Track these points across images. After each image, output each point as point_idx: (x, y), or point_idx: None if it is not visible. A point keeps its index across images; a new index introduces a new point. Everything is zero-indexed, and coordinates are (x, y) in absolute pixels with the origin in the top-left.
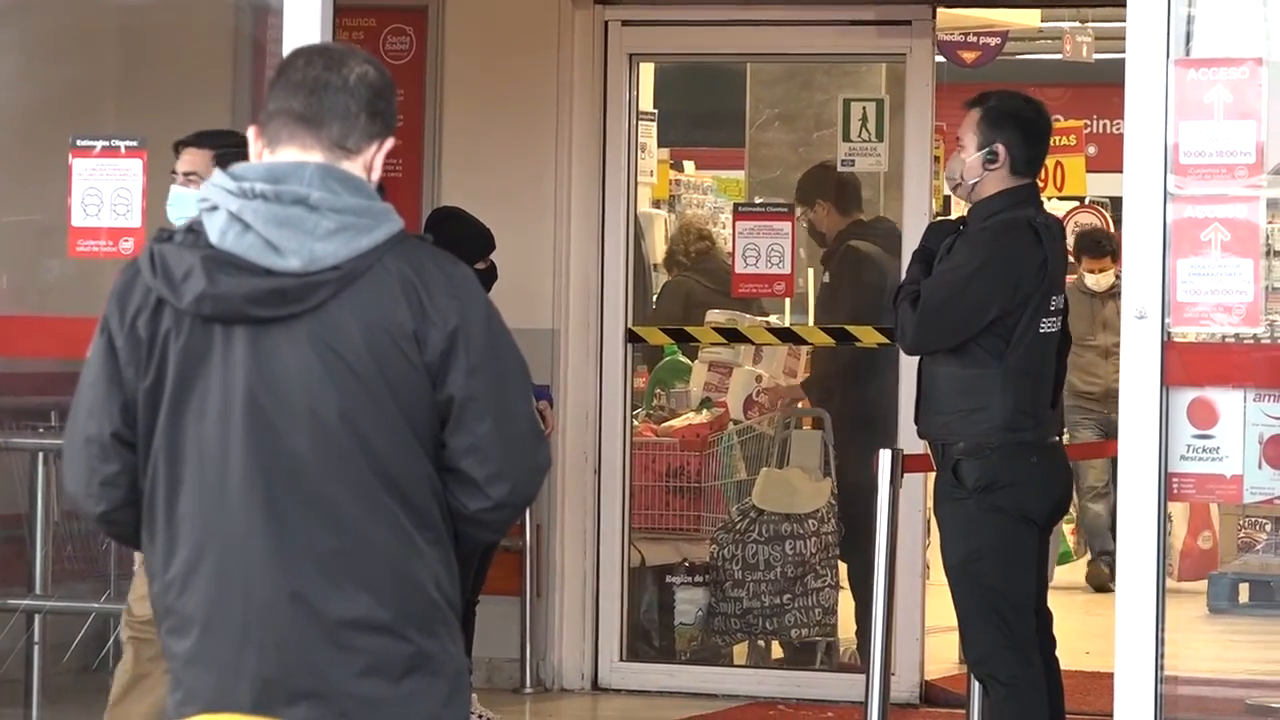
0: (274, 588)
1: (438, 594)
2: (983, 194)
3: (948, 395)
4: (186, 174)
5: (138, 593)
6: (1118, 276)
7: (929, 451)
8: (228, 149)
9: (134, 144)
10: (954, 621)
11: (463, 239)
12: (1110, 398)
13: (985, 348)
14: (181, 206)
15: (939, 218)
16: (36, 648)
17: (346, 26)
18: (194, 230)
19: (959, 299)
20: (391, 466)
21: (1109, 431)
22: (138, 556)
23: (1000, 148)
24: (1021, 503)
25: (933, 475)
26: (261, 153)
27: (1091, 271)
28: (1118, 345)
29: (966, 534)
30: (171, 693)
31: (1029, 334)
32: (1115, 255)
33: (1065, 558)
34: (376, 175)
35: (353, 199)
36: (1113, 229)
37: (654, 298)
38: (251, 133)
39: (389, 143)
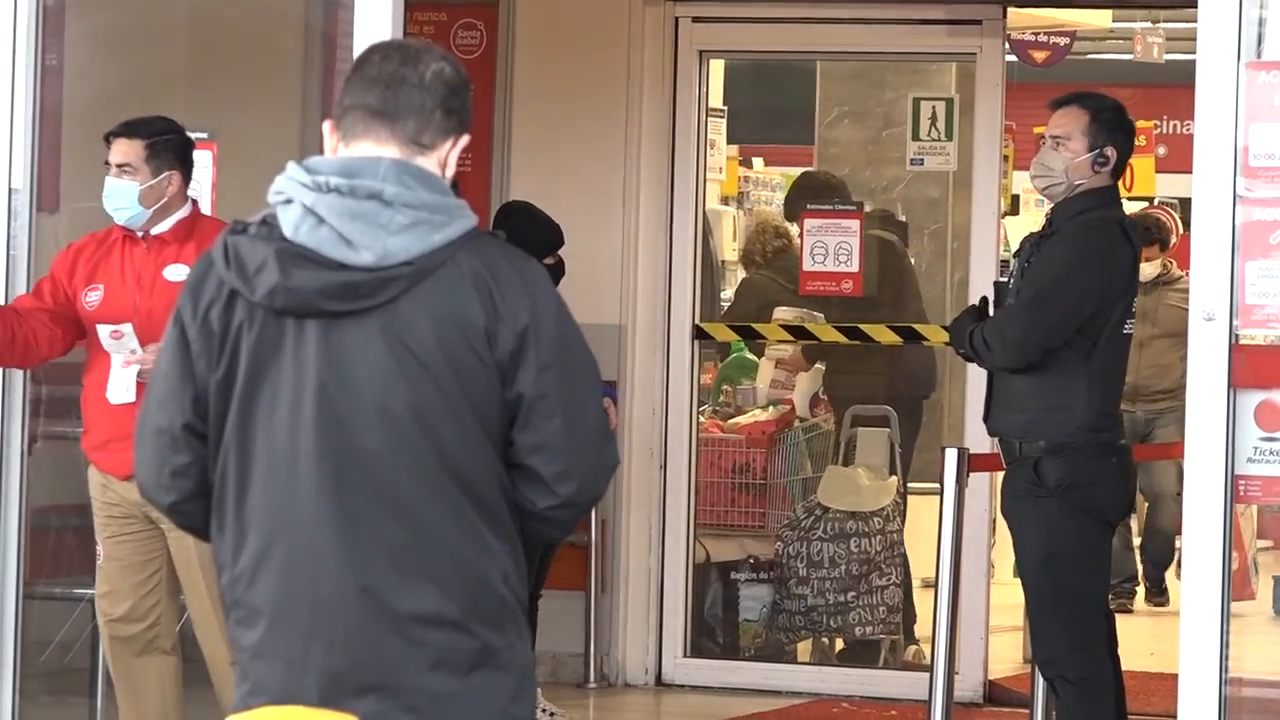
0: (343, 581)
1: (505, 589)
2: (1074, 194)
3: (1029, 394)
4: (120, 165)
5: (102, 589)
6: (1164, 266)
7: (1000, 450)
8: (158, 138)
9: (204, 136)
10: (1018, 621)
11: (532, 234)
12: (1138, 394)
13: (1073, 347)
14: (116, 198)
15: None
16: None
17: (417, 21)
18: (268, 223)
19: (1065, 293)
20: (461, 462)
21: (1134, 432)
22: (100, 550)
23: (1111, 151)
24: (1100, 503)
25: (991, 474)
26: (336, 147)
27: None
28: (1154, 338)
29: (1046, 533)
30: (238, 684)
31: (1115, 334)
32: (1164, 244)
33: None
34: (451, 171)
35: (427, 195)
36: (1181, 230)
37: (725, 294)
38: (326, 127)
39: (464, 139)
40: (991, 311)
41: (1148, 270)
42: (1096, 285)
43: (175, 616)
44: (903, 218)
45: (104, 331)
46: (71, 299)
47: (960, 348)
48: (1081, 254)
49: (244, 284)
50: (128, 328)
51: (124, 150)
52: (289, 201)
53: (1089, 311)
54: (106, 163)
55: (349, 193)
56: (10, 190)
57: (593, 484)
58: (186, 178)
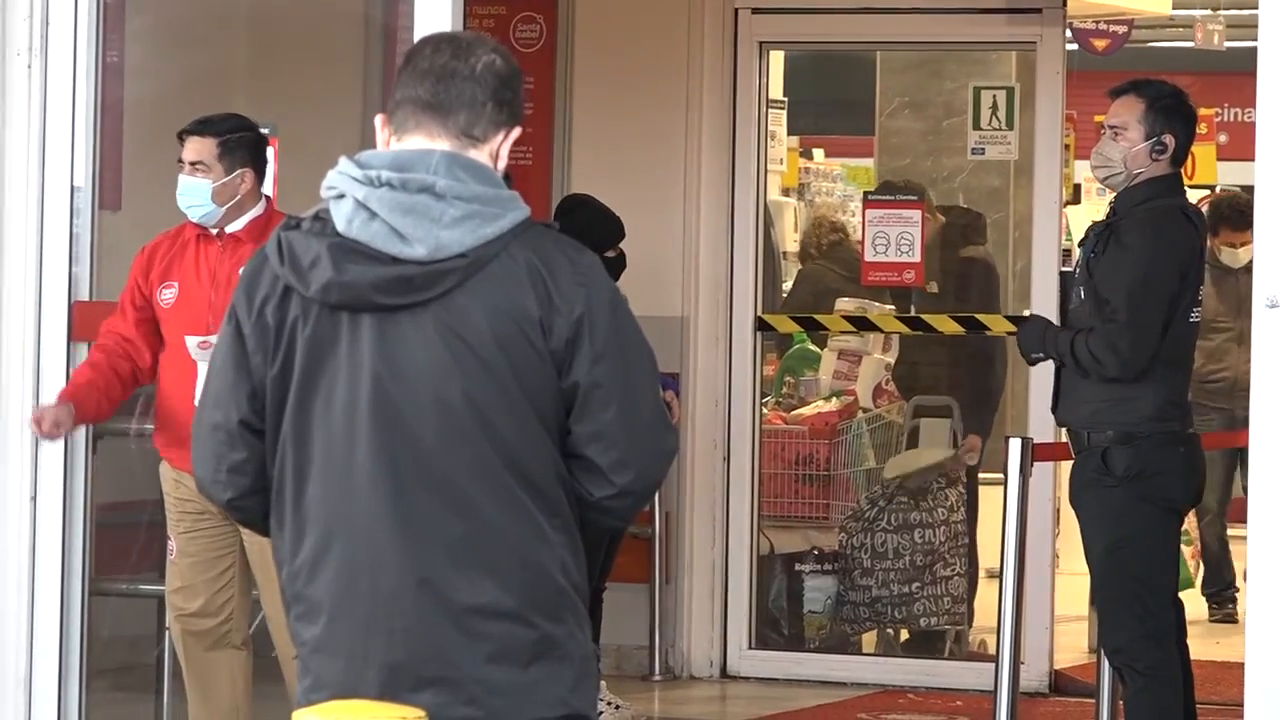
0: (401, 574)
1: (564, 580)
2: (1135, 183)
3: (1098, 383)
4: (192, 163)
5: (174, 584)
6: None
7: (1068, 440)
8: (230, 135)
9: (265, 131)
10: (1083, 610)
11: (594, 226)
12: (1239, 391)
13: None
14: (189, 195)
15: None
16: (168, 632)
17: (477, 14)
18: (321, 218)
19: (1153, 298)
20: (517, 453)
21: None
22: (172, 546)
23: (1169, 138)
24: (1168, 492)
25: (1054, 464)
26: (389, 141)
27: (1230, 245)
28: None
29: (1114, 522)
30: (300, 679)
31: (1182, 323)
32: None
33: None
34: (503, 164)
35: (479, 187)
36: None
37: (785, 286)
38: (379, 121)
39: (516, 131)
40: (1057, 302)
41: (1241, 256)
42: (1174, 280)
43: (247, 611)
44: (978, 210)
45: (192, 343)
46: (149, 298)
47: (1048, 357)
48: (1155, 252)
49: (298, 279)
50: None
51: (196, 148)
52: (341, 196)
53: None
54: (180, 160)
55: (400, 186)
56: (72, 188)
57: (650, 472)
58: (260, 175)
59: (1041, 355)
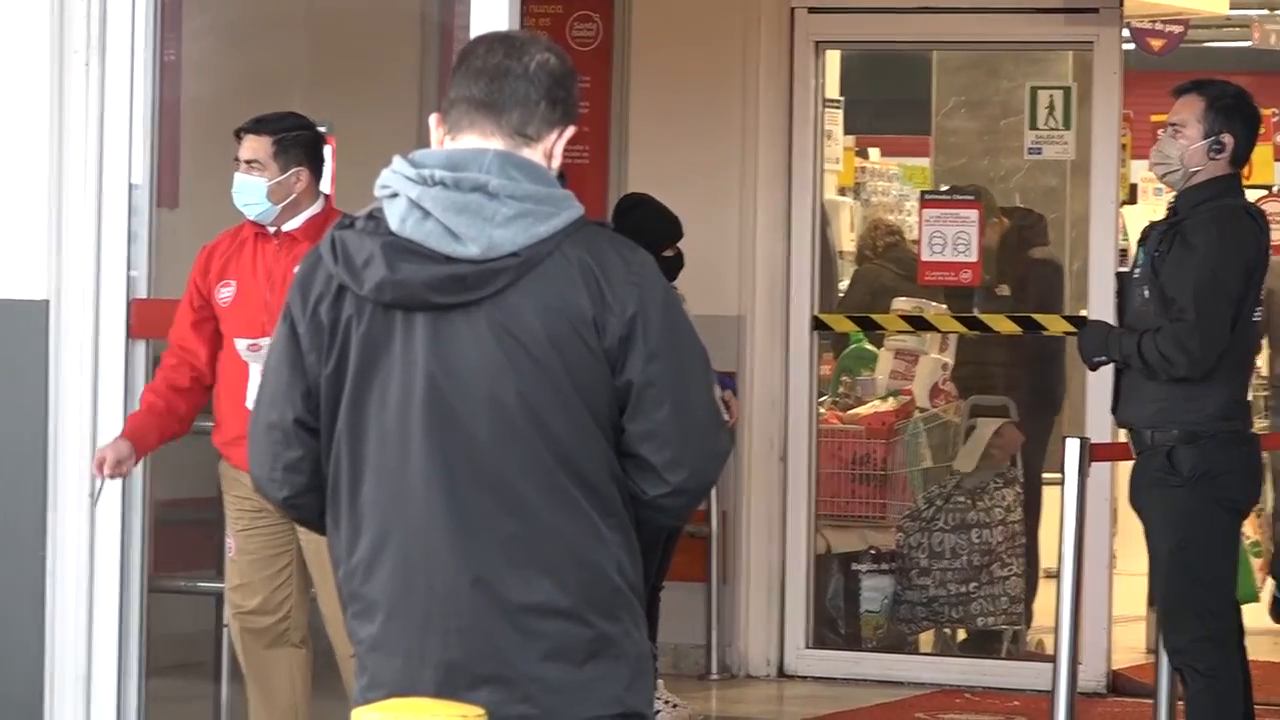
0: (456, 573)
1: (620, 578)
2: (1194, 182)
3: (1162, 383)
4: (248, 161)
5: (233, 582)
6: None
7: (1129, 440)
8: (286, 134)
9: (322, 129)
10: (1141, 610)
11: (652, 225)
12: None
13: None
14: (245, 194)
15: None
16: (226, 630)
17: (534, 13)
18: (375, 216)
19: (1221, 298)
20: (571, 451)
21: None
22: (230, 544)
23: (1228, 138)
24: (1233, 493)
25: (1112, 464)
26: (443, 140)
27: None
28: None
29: (1178, 523)
30: (357, 677)
31: (1245, 322)
32: None
33: (1249, 596)
34: (557, 163)
35: (532, 186)
36: None
37: (841, 285)
38: (433, 120)
39: (569, 130)
40: (1115, 302)
41: None
42: (1240, 279)
43: (305, 609)
44: (1038, 211)
45: (241, 345)
46: (207, 298)
47: (1111, 360)
48: (1221, 251)
49: (351, 278)
50: (266, 342)
51: (252, 146)
52: (395, 195)
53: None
54: (236, 158)
55: (454, 185)
56: (130, 186)
57: (704, 471)
58: (316, 174)
59: (1104, 359)
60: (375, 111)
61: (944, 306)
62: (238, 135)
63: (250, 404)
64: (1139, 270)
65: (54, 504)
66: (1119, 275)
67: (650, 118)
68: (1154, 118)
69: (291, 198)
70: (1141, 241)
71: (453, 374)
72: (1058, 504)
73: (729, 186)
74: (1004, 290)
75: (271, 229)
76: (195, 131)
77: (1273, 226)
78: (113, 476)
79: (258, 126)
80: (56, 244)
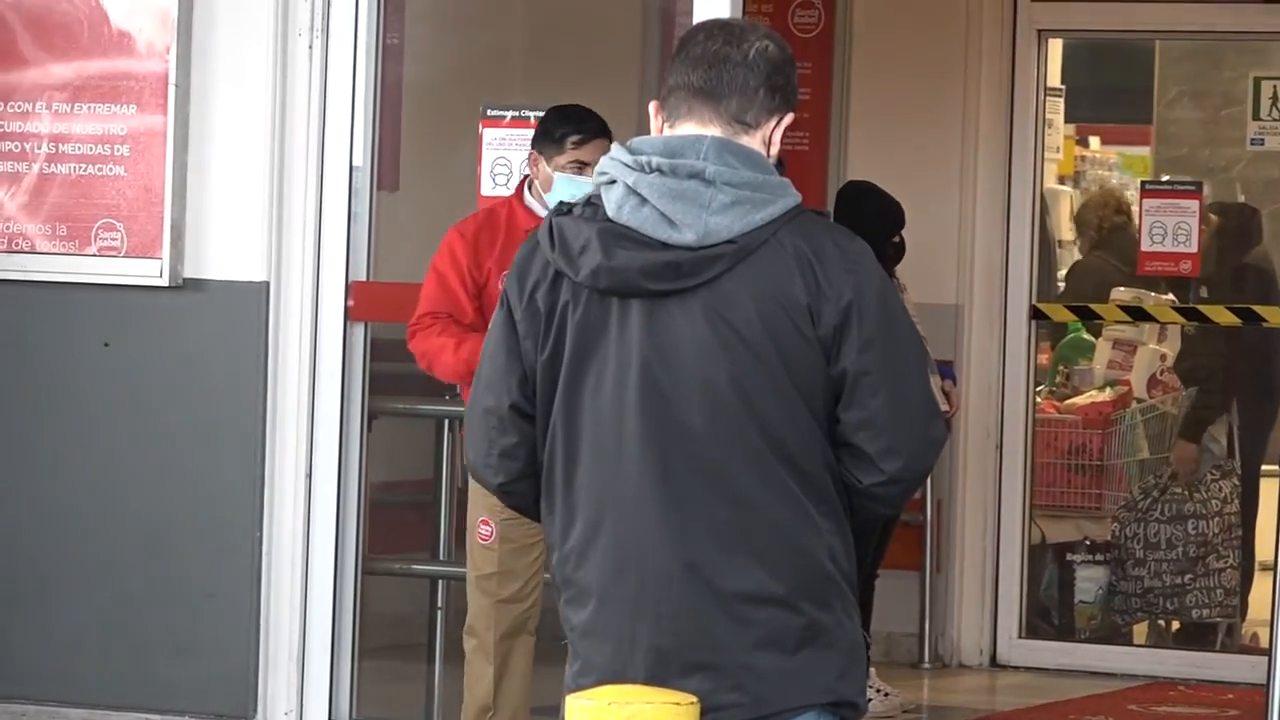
0: (669, 559)
1: (832, 566)
2: None
3: None
4: (585, 164)
5: (488, 570)
6: None
7: None
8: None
9: (542, 115)
10: None
11: (876, 214)
12: None
13: None
14: (575, 193)
15: None
16: (440, 613)
17: (756, 0)
18: (593, 203)
19: None
20: (784, 438)
21: None
22: (488, 530)
23: None
24: None
25: None
26: (661, 127)
27: None
28: None
29: None
30: (570, 663)
31: None
32: None
33: None
34: (775, 150)
35: (749, 173)
36: None
37: (1059, 274)
38: (652, 108)
39: (788, 118)
40: None
41: None
42: None
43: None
44: (1254, 205)
45: None
46: (482, 285)
47: None
48: None
49: (568, 264)
50: None
51: (599, 151)
52: (613, 182)
53: None
54: (570, 161)
55: (670, 172)
56: (351, 168)
57: (919, 460)
58: None
59: None
60: (595, 98)
61: (1168, 296)
62: (569, 136)
63: None
64: None
65: (271, 485)
66: None
67: (871, 105)
68: None
69: None
70: None
71: (667, 360)
72: (1275, 496)
73: (949, 175)
74: (1204, 293)
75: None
76: (416, 115)
77: None
78: None
79: (605, 130)
80: (277, 226)
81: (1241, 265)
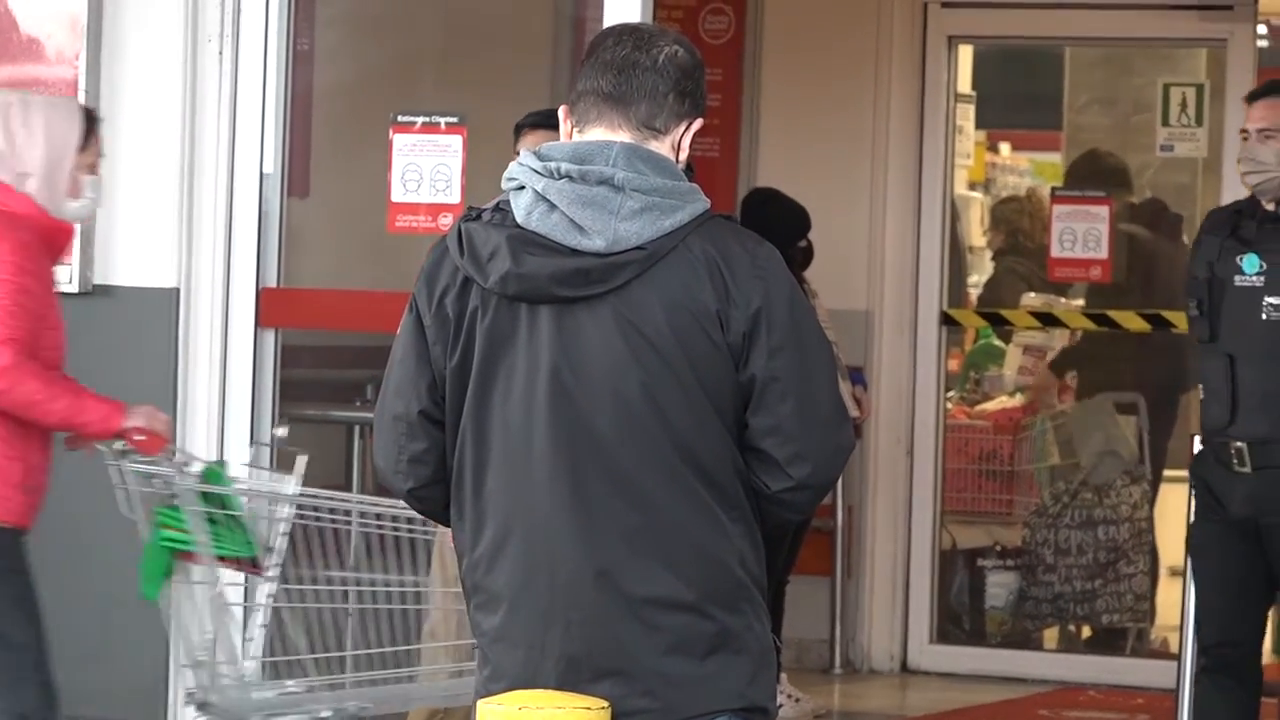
0: (579, 565)
1: (742, 572)
2: None
3: None
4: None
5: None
6: None
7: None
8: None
9: (454, 120)
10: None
11: (782, 221)
12: None
13: None
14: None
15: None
16: None
17: (666, 5)
18: (501, 209)
19: None
20: (694, 444)
21: None
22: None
23: None
24: None
25: None
26: (571, 132)
27: None
28: None
29: None
30: (479, 669)
31: None
32: None
33: None
34: (684, 156)
35: (658, 179)
36: None
37: (970, 280)
38: (561, 113)
39: (697, 123)
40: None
41: None
42: None
43: None
44: (1177, 211)
45: None
46: None
47: None
48: None
49: (477, 271)
50: None
51: (542, 139)
52: (521, 188)
53: None
54: (517, 152)
55: (580, 178)
56: (262, 175)
57: (827, 467)
58: None
59: None
60: (507, 102)
61: (1079, 302)
62: (524, 129)
63: None
64: (1258, 276)
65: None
66: (1205, 282)
67: (781, 111)
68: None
69: None
70: (1229, 236)
71: (576, 367)
72: (1178, 500)
73: (859, 181)
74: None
75: None
76: (327, 121)
77: None
78: None
79: (550, 120)
80: (187, 232)
81: (1159, 261)
